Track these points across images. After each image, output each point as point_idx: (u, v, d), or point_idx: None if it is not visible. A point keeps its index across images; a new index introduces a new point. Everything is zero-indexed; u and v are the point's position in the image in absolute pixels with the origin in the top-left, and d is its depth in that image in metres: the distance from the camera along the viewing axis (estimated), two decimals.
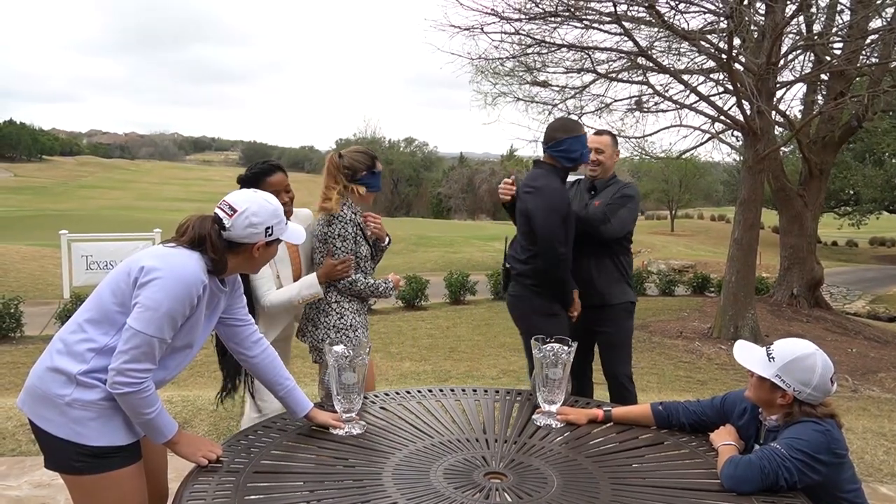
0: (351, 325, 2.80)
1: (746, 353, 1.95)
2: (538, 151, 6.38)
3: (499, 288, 12.62)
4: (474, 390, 2.52)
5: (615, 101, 11.84)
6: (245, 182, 2.60)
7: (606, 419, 2.21)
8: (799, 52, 11.47)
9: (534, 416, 2.22)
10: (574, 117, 11.43)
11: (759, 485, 1.71)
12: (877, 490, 3.56)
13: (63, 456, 1.71)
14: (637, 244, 3.58)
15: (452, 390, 2.51)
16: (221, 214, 1.79)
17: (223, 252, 1.78)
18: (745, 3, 8.89)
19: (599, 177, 3.41)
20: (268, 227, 1.81)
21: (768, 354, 1.88)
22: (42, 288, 13.48)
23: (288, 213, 2.62)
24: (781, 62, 10.66)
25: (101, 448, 1.71)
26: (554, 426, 2.15)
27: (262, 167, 2.65)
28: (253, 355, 2.02)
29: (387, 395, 2.46)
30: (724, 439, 1.95)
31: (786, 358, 1.83)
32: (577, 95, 11.64)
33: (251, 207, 1.80)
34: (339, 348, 2.09)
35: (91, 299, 1.77)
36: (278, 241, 1.89)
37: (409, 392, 2.48)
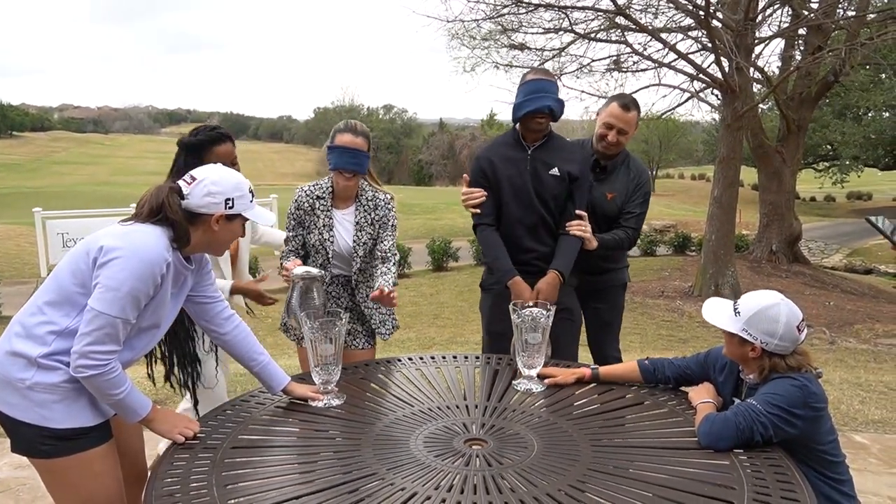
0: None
1: (714, 311, 1.96)
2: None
3: (480, 254, 12.64)
4: (454, 357, 2.51)
5: (594, 61, 11.76)
6: (188, 147, 2.39)
7: (594, 378, 2.22)
8: (777, 6, 11.40)
9: (514, 382, 2.22)
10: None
11: (734, 441, 1.73)
12: (851, 438, 3.65)
13: (29, 440, 1.67)
14: None
15: (433, 358, 2.50)
16: (182, 184, 1.76)
17: (183, 220, 1.73)
18: None
19: (612, 155, 2.89)
20: (228, 199, 1.76)
21: (735, 309, 1.89)
22: (19, 267, 13.29)
23: None
24: (759, 17, 10.59)
25: (67, 430, 1.67)
26: (534, 390, 2.16)
27: (209, 135, 2.40)
28: (224, 332, 1.98)
29: (367, 365, 2.45)
30: (703, 397, 1.96)
31: (750, 311, 1.84)
32: (556, 57, 11.53)
33: (211, 177, 1.75)
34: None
35: (50, 280, 1.71)
36: (242, 218, 1.83)
37: (388, 362, 2.47)
